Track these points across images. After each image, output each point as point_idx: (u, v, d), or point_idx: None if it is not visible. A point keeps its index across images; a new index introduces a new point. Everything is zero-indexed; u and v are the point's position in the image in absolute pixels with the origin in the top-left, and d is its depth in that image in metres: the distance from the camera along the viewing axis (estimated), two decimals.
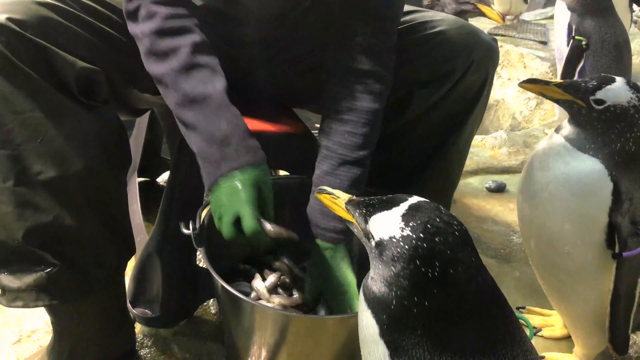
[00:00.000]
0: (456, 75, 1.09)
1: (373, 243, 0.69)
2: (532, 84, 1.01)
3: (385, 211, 0.69)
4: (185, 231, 0.98)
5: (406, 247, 0.65)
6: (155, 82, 0.92)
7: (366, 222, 0.71)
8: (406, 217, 0.67)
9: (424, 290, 0.65)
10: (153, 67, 0.90)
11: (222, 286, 0.94)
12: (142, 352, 1.15)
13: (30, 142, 0.83)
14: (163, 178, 1.77)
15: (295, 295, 1.14)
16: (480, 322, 0.65)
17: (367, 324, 0.71)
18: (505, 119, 3.35)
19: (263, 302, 1.10)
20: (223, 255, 1.15)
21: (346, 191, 0.96)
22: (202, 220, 1.04)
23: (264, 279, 1.14)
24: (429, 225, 0.65)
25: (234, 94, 1.14)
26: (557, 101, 1.02)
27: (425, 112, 1.14)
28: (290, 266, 1.09)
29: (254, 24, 1.08)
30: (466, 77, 1.10)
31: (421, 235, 0.64)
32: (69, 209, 0.87)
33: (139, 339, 1.17)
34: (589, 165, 0.97)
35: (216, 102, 0.90)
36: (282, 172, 1.46)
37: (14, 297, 0.87)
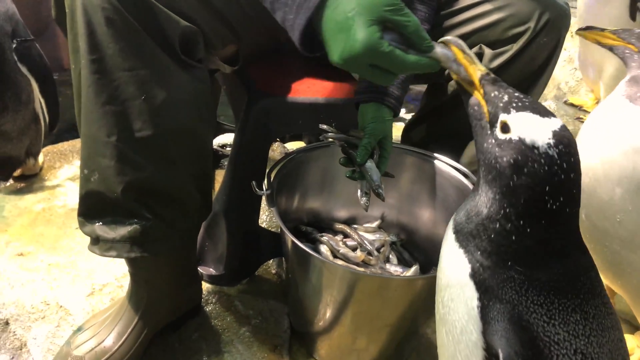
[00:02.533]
0: (529, 36, 1.07)
1: (501, 136, 0.65)
2: (588, 32, 1.01)
3: (537, 115, 0.65)
4: (258, 191, 1.01)
5: (545, 167, 0.63)
6: None
7: (507, 110, 0.66)
8: (557, 135, 0.63)
9: (535, 218, 0.64)
10: None
11: (293, 242, 0.97)
12: (207, 308, 1.20)
13: (134, 99, 0.85)
14: (218, 141, 1.81)
15: (358, 252, 1.17)
16: (568, 265, 0.66)
17: (457, 265, 0.70)
18: (549, 89, 3.27)
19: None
20: (287, 217, 1.19)
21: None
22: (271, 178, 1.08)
23: (323, 238, 1.17)
24: (572, 159, 0.63)
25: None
26: (610, 48, 1.00)
27: (494, 69, 1.12)
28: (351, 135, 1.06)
29: None
30: (538, 38, 1.08)
31: (564, 164, 0.63)
32: (164, 166, 0.90)
33: (204, 296, 1.22)
34: None
35: None
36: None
37: (108, 247, 0.91)
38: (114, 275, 1.27)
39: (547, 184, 0.63)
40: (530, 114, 0.65)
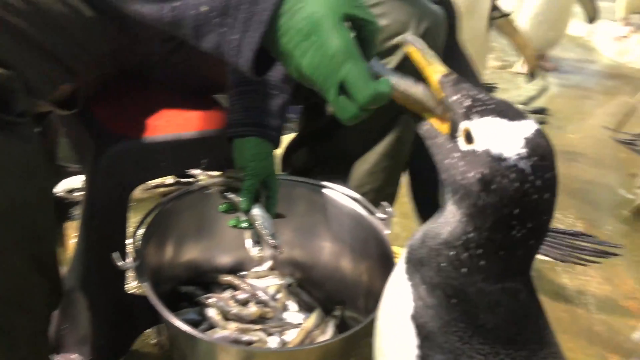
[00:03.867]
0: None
1: (465, 147, 0.54)
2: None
3: (505, 119, 0.53)
4: (122, 265, 0.81)
5: (516, 183, 0.51)
6: None
7: (468, 116, 0.55)
8: (531, 144, 0.52)
9: (494, 248, 0.54)
10: None
11: (180, 328, 0.79)
12: None
13: None
14: (63, 187, 1.54)
15: (252, 308, 1.03)
16: (517, 310, 0.58)
17: (400, 302, 0.61)
18: None
19: (219, 330, 0.97)
20: (162, 277, 1.00)
21: (278, 84, 0.89)
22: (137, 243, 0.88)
23: (209, 301, 1.00)
24: (549, 174, 0.52)
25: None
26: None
27: None
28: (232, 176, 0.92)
29: None
30: None
31: (539, 181, 0.52)
32: None
33: None
34: None
35: None
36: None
37: None
38: None
39: (517, 206, 0.52)
40: (497, 118, 0.53)
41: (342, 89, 0.60)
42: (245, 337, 0.98)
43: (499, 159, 0.52)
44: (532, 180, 0.51)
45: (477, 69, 1.30)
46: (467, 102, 0.55)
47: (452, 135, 0.56)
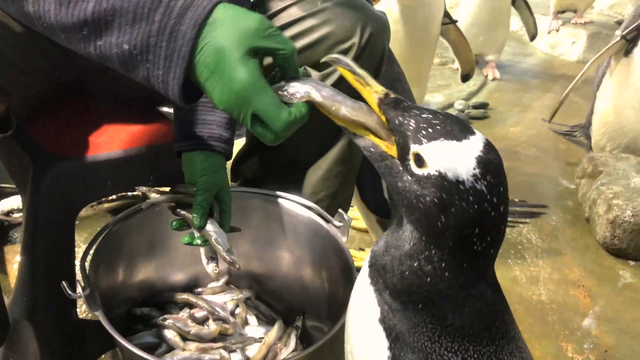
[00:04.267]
0: (355, 53, 0.99)
1: (418, 171, 0.53)
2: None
3: (454, 141, 0.52)
4: (72, 295, 0.77)
5: (475, 205, 0.52)
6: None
7: (417, 140, 0.53)
8: (483, 162, 0.52)
9: (458, 261, 0.55)
10: None
11: (137, 354, 0.75)
12: None
13: None
14: (1, 208, 1.45)
15: (212, 326, 1.00)
16: (482, 309, 0.59)
17: (366, 307, 0.61)
18: None
19: (179, 351, 0.94)
20: (115, 300, 0.96)
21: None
22: (86, 269, 0.84)
23: (167, 322, 0.97)
24: (501, 187, 0.53)
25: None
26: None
27: None
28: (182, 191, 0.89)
29: None
30: (364, 53, 1.00)
31: (495, 198, 0.52)
32: None
33: None
34: None
35: None
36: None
37: None
38: None
39: (477, 225, 0.53)
40: (446, 141, 0.52)
41: (257, 118, 0.62)
42: (207, 357, 0.94)
43: (455, 183, 0.52)
44: (489, 199, 0.52)
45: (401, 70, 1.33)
46: (413, 125, 0.54)
47: (402, 158, 0.55)
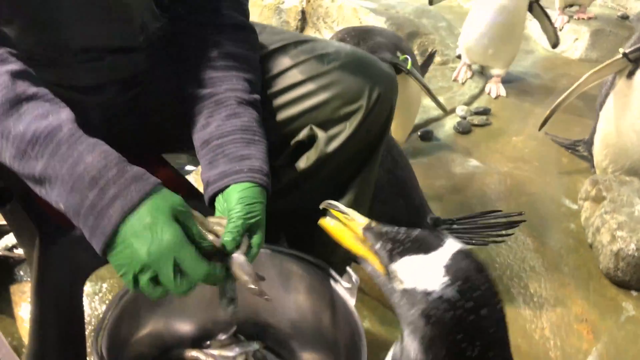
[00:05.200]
0: (363, 115, 0.98)
1: (400, 287, 0.59)
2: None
3: (422, 254, 0.58)
4: None
5: (451, 312, 0.55)
6: None
7: (392, 259, 0.60)
8: (452, 270, 0.56)
9: None
10: None
11: None
12: None
13: None
14: (2, 245, 1.45)
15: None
16: None
17: None
18: None
19: None
20: (127, 357, 0.96)
21: (257, 129, 0.90)
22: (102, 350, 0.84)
23: None
24: (478, 291, 0.56)
25: None
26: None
27: (331, 152, 1.01)
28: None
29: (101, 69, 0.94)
30: (372, 113, 0.99)
31: (470, 302, 0.56)
32: None
33: None
34: None
35: (67, 135, 0.71)
36: None
37: None
38: None
39: (457, 331, 0.56)
40: (413, 256, 0.58)
41: (178, 270, 0.71)
42: None
43: (428, 294, 0.56)
44: (462, 305, 0.55)
45: None
46: (389, 246, 0.61)
47: (387, 277, 0.61)
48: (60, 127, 0.71)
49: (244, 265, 0.78)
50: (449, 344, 0.56)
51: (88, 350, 1.02)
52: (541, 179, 2.02)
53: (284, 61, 1.00)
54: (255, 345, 1.11)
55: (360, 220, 0.66)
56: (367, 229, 0.64)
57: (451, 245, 0.58)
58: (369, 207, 1.16)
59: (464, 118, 2.49)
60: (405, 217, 1.46)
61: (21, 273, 1.40)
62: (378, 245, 0.62)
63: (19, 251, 1.45)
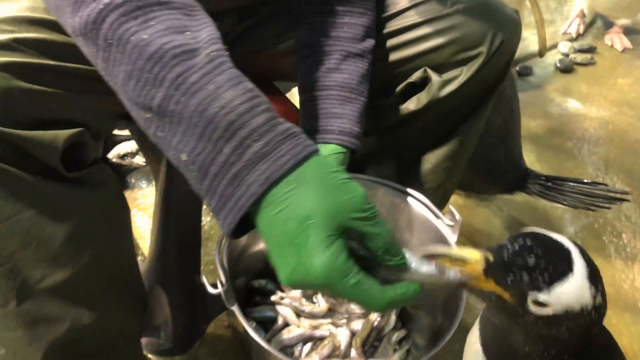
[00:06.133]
0: (482, 61, 0.95)
1: (543, 312, 0.56)
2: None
3: (570, 276, 0.55)
4: (212, 291, 0.86)
5: (596, 315, 0.57)
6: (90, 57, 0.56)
7: (536, 288, 0.55)
8: (592, 280, 0.56)
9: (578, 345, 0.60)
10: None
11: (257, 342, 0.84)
12: None
13: (24, 250, 0.65)
14: (116, 153, 1.56)
15: (322, 304, 1.08)
16: None
17: None
18: None
19: (294, 328, 1.03)
20: (236, 271, 1.05)
21: (356, 87, 0.87)
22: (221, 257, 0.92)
23: (284, 301, 1.06)
24: (601, 283, 0.58)
25: None
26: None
27: (444, 97, 1.00)
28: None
29: None
30: (491, 61, 0.97)
31: (604, 297, 0.58)
32: (86, 305, 0.72)
33: None
34: None
35: (204, 60, 0.52)
36: None
37: None
38: None
39: (596, 322, 0.58)
40: (563, 281, 0.55)
41: None
42: (318, 333, 1.04)
43: (581, 311, 0.55)
44: (603, 302, 0.57)
45: None
46: (526, 278, 0.55)
47: (520, 305, 0.56)
48: (197, 50, 0.52)
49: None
50: (581, 332, 0.57)
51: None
52: None
53: (402, 1, 0.98)
54: None
55: (473, 258, 0.57)
56: (487, 265, 0.57)
57: (577, 253, 0.56)
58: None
59: (567, 55, 2.36)
60: (502, 165, 1.43)
61: (132, 180, 1.51)
62: (511, 279, 0.56)
63: (130, 159, 1.56)
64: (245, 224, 0.54)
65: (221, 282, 0.87)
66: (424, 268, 0.55)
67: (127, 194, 1.47)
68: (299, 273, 0.51)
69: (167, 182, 0.97)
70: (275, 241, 0.52)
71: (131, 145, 1.58)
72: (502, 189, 1.46)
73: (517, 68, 2.20)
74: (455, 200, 1.56)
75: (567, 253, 0.56)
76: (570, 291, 0.55)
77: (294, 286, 0.52)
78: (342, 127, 0.88)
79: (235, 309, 0.86)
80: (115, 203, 0.77)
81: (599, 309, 0.56)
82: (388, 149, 1.14)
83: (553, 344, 0.59)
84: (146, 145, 1.08)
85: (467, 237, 1.47)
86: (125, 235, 0.81)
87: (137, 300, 0.86)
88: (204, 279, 0.86)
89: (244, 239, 1.09)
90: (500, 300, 0.58)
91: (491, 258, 0.56)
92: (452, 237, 1.01)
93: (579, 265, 0.56)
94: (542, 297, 0.55)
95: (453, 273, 0.56)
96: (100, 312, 0.75)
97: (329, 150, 0.88)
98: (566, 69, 2.25)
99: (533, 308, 0.56)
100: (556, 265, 0.55)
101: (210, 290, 0.86)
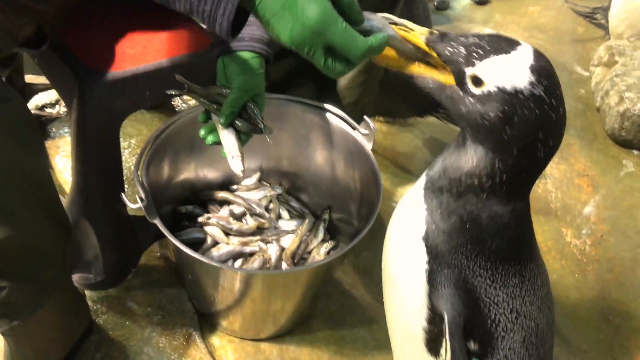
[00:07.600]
0: None
1: (476, 91, 0.59)
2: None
3: (504, 54, 0.57)
4: (132, 206, 0.87)
5: (537, 110, 0.57)
6: None
7: (470, 63, 0.58)
8: (536, 69, 0.57)
9: (518, 172, 0.61)
10: None
11: (188, 254, 0.87)
12: (100, 320, 1.08)
13: None
14: (34, 104, 1.51)
15: (250, 222, 1.11)
16: (518, 233, 0.67)
17: (413, 224, 0.68)
18: None
19: (223, 245, 1.06)
20: (162, 199, 1.06)
21: None
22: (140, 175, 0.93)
23: (211, 220, 1.08)
24: (557, 90, 0.58)
25: None
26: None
27: None
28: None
29: None
30: None
31: (553, 100, 0.57)
32: (1, 222, 0.72)
33: (91, 308, 1.08)
34: None
35: None
36: None
37: None
38: None
39: (540, 130, 0.59)
40: (496, 56, 0.58)
41: (329, 51, 0.62)
42: (248, 249, 1.07)
43: (514, 93, 0.56)
44: (549, 103, 0.57)
45: None
46: (463, 51, 0.59)
47: (460, 83, 0.60)
48: None
49: (227, 142, 0.85)
50: (526, 143, 0.58)
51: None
52: (555, 47, 2.02)
53: None
54: (278, 190, 1.20)
55: (418, 29, 0.62)
56: (430, 36, 0.61)
57: (527, 46, 0.58)
58: None
59: None
60: (416, 89, 1.49)
61: (54, 130, 1.48)
62: (449, 50, 0.59)
63: (49, 110, 1.52)
64: (237, 24, 0.64)
65: (140, 198, 0.88)
66: (389, 30, 0.64)
67: (50, 143, 1.44)
68: (297, 28, 0.60)
69: (80, 110, 0.96)
70: (271, 12, 0.61)
71: (50, 96, 1.54)
72: (416, 111, 1.52)
73: (436, 2, 2.26)
74: (380, 127, 1.61)
75: (515, 43, 0.58)
76: (503, 67, 0.57)
77: (298, 45, 0.61)
78: (252, 35, 0.88)
79: (157, 222, 0.88)
80: (20, 120, 0.76)
81: (538, 100, 0.56)
82: (306, 68, 1.17)
83: (497, 154, 0.60)
84: (55, 76, 1.06)
85: (392, 161, 1.52)
86: (35, 152, 0.80)
87: (58, 223, 0.86)
88: (123, 196, 0.87)
89: (167, 172, 1.10)
90: (446, 90, 0.61)
91: (436, 31, 0.61)
92: (367, 145, 1.06)
93: (522, 51, 0.57)
94: (471, 70, 0.58)
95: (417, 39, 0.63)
96: (16, 229, 0.74)
97: (241, 58, 0.87)
98: (481, 1, 2.33)
99: (471, 87, 0.59)
100: (496, 46, 0.58)
101: (130, 205, 0.87)
